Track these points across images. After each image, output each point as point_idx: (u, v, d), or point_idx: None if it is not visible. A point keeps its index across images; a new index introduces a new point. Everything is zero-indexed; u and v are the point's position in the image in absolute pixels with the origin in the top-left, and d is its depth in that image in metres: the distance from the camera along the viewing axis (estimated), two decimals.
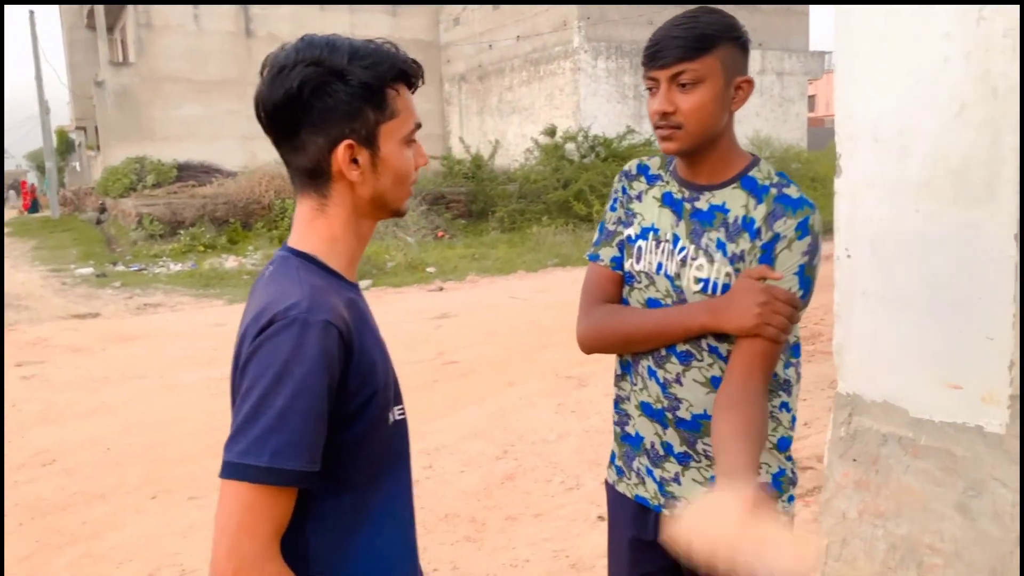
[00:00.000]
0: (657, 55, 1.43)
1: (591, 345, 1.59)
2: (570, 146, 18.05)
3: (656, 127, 1.47)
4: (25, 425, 5.53)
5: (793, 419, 1.57)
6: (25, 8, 26.78)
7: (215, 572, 1.05)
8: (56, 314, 10.36)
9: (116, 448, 5.00)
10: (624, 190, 1.65)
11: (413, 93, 1.22)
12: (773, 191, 1.48)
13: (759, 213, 1.47)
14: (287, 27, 25.49)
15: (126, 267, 14.90)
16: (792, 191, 1.48)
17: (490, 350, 6.99)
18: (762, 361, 1.46)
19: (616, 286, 1.62)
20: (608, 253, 1.63)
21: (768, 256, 1.45)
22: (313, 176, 1.17)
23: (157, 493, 4.29)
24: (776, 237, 1.45)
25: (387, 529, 1.23)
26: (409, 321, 8.33)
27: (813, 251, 1.46)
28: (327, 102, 1.12)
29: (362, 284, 11.70)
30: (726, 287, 1.47)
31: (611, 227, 1.65)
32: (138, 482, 4.45)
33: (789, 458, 1.58)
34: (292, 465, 1.03)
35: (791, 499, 1.58)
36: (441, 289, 11.16)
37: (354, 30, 26.51)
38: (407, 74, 1.19)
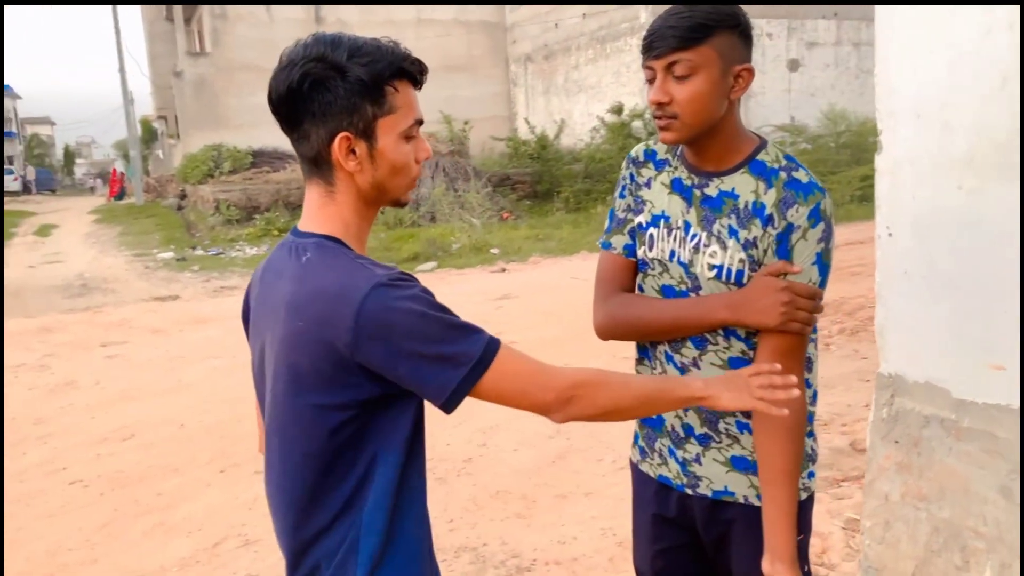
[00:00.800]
0: (652, 45, 1.45)
1: (608, 334, 1.63)
2: (637, 124, 17.84)
3: (654, 117, 1.49)
4: (108, 402, 5.86)
5: (815, 394, 1.58)
6: (108, 4, 27.80)
7: (548, 412, 1.24)
8: (139, 297, 10.87)
9: (190, 424, 5.26)
10: (632, 177, 1.66)
11: (419, 90, 1.29)
12: (783, 175, 1.48)
13: (769, 198, 1.47)
14: (355, 14, 25.90)
15: (204, 251, 15.49)
16: (801, 175, 1.48)
17: (549, 331, 7.04)
18: (793, 354, 1.48)
19: (630, 273, 1.65)
20: (620, 241, 1.66)
21: (784, 248, 1.45)
22: (317, 164, 1.26)
23: (226, 467, 4.50)
24: (790, 227, 1.45)
25: (421, 489, 1.36)
26: (470, 302, 8.44)
27: (828, 237, 1.47)
28: (326, 96, 1.20)
29: (427, 266, 11.96)
30: (740, 273, 1.49)
31: (621, 214, 1.67)
32: (209, 457, 4.68)
33: (810, 434, 1.58)
34: (485, 337, 1.20)
35: (811, 475, 1.58)
36: (504, 270, 11.25)
37: (420, 13, 26.80)
38: (408, 72, 1.25)
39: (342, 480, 1.25)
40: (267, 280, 1.33)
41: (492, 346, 1.19)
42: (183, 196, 23.93)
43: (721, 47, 1.44)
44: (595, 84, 23.00)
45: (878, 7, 2.32)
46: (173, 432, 5.14)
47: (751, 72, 1.48)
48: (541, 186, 18.86)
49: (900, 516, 2.42)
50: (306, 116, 1.22)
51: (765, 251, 1.47)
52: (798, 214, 1.44)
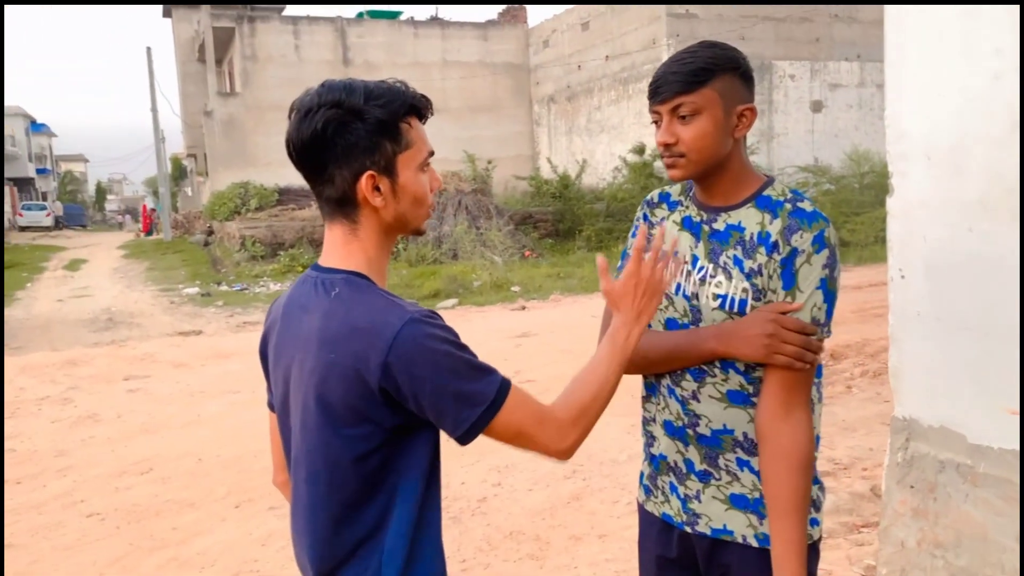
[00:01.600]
0: (657, 91, 1.52)
1: None
2: (659, 163, 17.93)
3: (662, 157, 1.55)
4: (128, 435, 5.91)
5: (816, 438, 1.56)
6: (143, 45, 28.55)
7: (556, 456, 1.32)
8: (163, 331, 10.99)
9: (207, 459, 5.28)
10: (646, 217, 1.72)
11: (424, 124, 1.36)
12: (788, 206, 1.51)
13: (775, 227, 1.50)
14: (382, 55, 26.44)
15: (229, 287, 15.68)
16: (806, 205, 1.52)
17: (567, 369, 6.99)
18: (796, 389, 1.49)
19: None
20: None
21: (788, 272, 1.47)
22: (342, 205, 1.32)
23: (241, 503, 4.51)
24: (794, 251, 1.47)
25: (436, 516, 1.40)
26: (490, 339, 8.45)
27: (832, 264, 1.49)
28: (348, 139, 1.27)
29: (448, 303, 12.01)
30: (743, 302, 1.51)
31: (632, 253, 1.70)
32: (225, 491, 4.69)
33: (815, 479, 1.56)
34: (499, 379, 1.27)
35: (814, 522, 1.56)
36: (523, 308, 11.26)
37: (446, 55, 27.27)
38: (418, 108, 1.32)
39: (365, 510, 1.30)
40: (292, 314, 1.37)
41: (504, 388, 1.27)
42: (210, 232, 24.30)
43: (722, 89, 1.49)
44: (617, 124, 23.20)
45: (888, 50, 2.34)
46: (191, 466, 5.16)
47: (754, 111, 1.54)
48: (563, 225, 18.95)
49: (916, 564, 2.38)
50: (331, 160, 1.28)
51: (770, 277, 1.49)
52: (802, 239, 1.47)
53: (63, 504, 4.62)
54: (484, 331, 9.27)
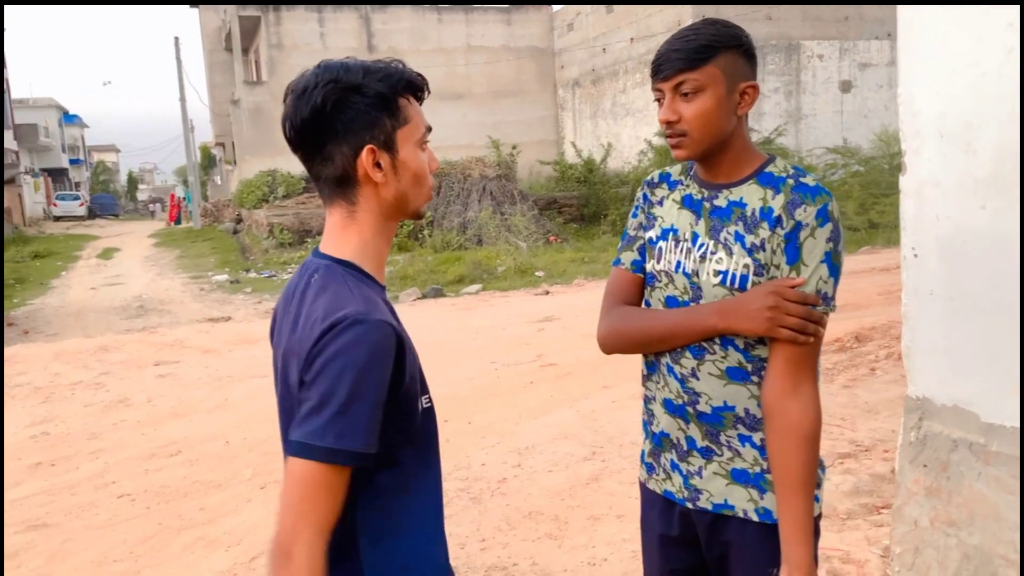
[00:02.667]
0: (660, 68, 1.52)
1: (610, 346, 1.66)
2: None
3: (666, 136, 1.55)
4: (158, 419, 6.04)
5: None
6: (171, 34, 28.84)
7: (278, 544, 1.16)
8: (193, 318, 11.18)
9: (234, 441, 5.39)
10: (646, 197, 1.72)
11: (421, 104, 1.34)
12: (790, 182, 1.51)
13: (777, 202, 1.50)
14: (406, 40, 26.46)
15: (257, 273, 15.88)
16: (809, 180, 1.52)
17: (588, 353, 7.02)
18: (802, 364, 1.50)
19: (636, 288, 1.69)
20: (629, 257, 1.71)
21: (793, 246, 1.47)
22: (341, 184, 1.30)
23: (266, 484, 4.60)
24: (798, 225, 1.47)
25: (424, 504, 1.34)
26: (512, 324, 8.49)
27: (837, 237, 1.49)
28: (348, 114, 1.25)
29: (472, 288, 12.06)
30: (744, 278, 1.51)
31: (632, 233, 1.73)
32: (251, 473, 4.78)
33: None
34: (353, 446, 1.15)
35: (815, 498, 1.57)
36: (547, 293, 11.28)
37: (470, 40, 27.21)
38: (415, 85, 1.31)
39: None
40: (287, 300, 1.37)
41: (337, 456, 1.14)
42: (239, 220, 24.58)
43: (725, 66, 1.49)
44: (643, 107, 23.03)
45: (900, 28, 2.32)
46: (218, 448, 5.27)
47: (756, 89, 1.53)
48: (588, 209, 18.91)
49: (929, 542, 2.37)
50: (329, 137, 1.26)
51: (774, 251, 1.49)
52: (806, 213, 1.47)
53: (95, 485, 4.74)
54: (507, 316, 9.31)
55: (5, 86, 29.36)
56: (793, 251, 1.48)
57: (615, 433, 4.99)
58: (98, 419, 6.13)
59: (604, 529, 3.75)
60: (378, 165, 1.27)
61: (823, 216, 1.47)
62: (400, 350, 1.22)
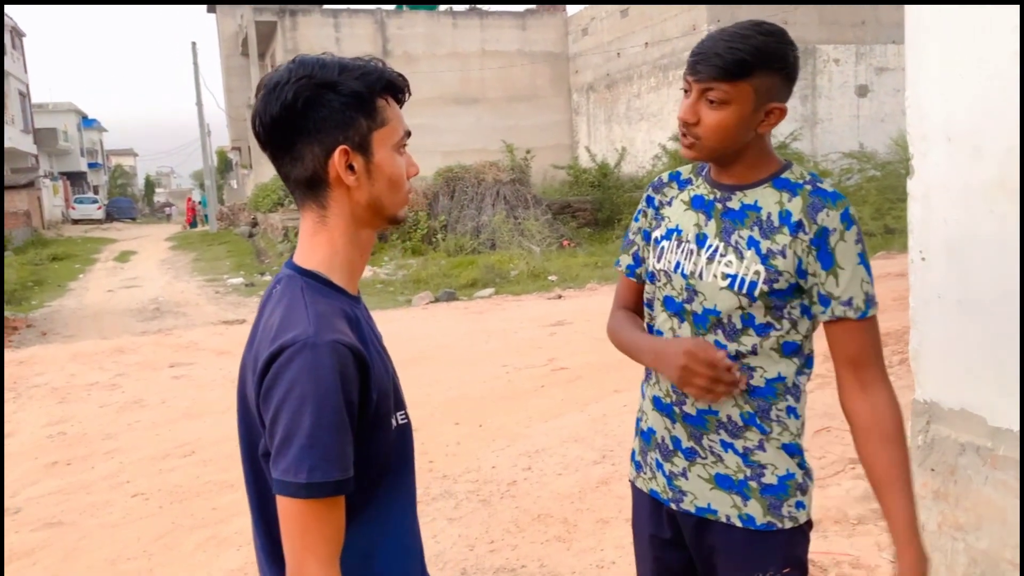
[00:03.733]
0: (696, 66, 1.47)
1: (612, 343, 1.74)
2: None
3: (680, 131, 1.53)
4: (172, 420, 6.10)
5: (802, 425, 1.57)
6: (188, 39, 29.13)
7: None
8: (208, 320, 11.27)
9: None
10: (650, 200, 1.72)
11: (401, 106, 1.27)
12: (807, 187, 1.50)
13: (795, 206, 1.48)
14: (421, 46, 26.58)
15: (272, 277, 15.97)
16: (826, 186, 1.50)
17: (599, 357, 7.04)
18: (856, 366, 1.50)
19: (631, 291, 1.76)
20: (624, 261, 1.77)
21: (825, 251, 1.45)
22: (311, 186, 1.22)
23: None
24: (825, 231, 1.45)
25: (400, 525, 1.29)
26: (524, 328, 8.51)
27: (862, 237, 1.49)
28: (321, 112, 1.17)
29: (485, 292, 12.09)
30: (752, 284, 1.49)
31: (631, 236, 1.76)
32: None
33: (801, 464, 1.56)
34: (328, 477, 1.10)
35: (800, 505, 1.55)
36: (560, 297, 11.29)
37: (485, 45, 27.29)
38: (395, 86, 1.24)
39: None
40: (259, 310, 1.30)
41: (315, 489, 1.10)
42: (254, 224, 24.74)
43: (760, 85, 1.45)
44: (657, 112, 23.01)
45: (908, 31, 2.32)
46: (231, 449, 5.30)
47: (783, 111, 1.49)
48: (601, 214, 18.89)
49: (937, 546, 2.37)
50: (300, 135, 1.19)
51: (798, 256, 1.47)
52: (829, 217, 1.45)
53: (110, 484, 4.80)
54: (519, 319, 9.33)
55: (5, 90, 29.71)
56: (827, 256, 1.45)
57: (625, 437, 4.99)
58: (113, 419, 6.19)
59: (613, 532, 3.75)
60: (351, 168, 1.20)
61: (847, 219, 1.46)
62: (364, 368, 1.15)
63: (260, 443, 1.19)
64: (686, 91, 1.51)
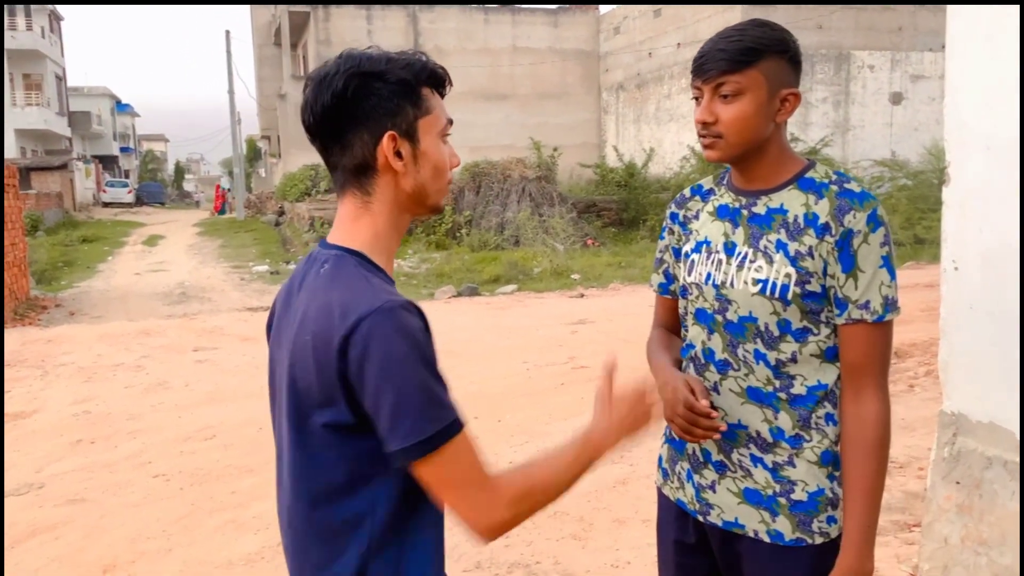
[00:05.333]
0: (702, 67, 1.48)
1: None
2: None
3: (700, 136, 1.52)
4: (195, 403, 6.17)
5: (839, 432, 1.55)
6: (222, 28, 29.35)
7: (477, 531, 1.18)
8: (233, 306, 11.39)
9: (267, 428, 5.42)
10: (674, 217, 1.72)
11: (443, 98, 1.31)
12: (834, 188, 1.48)
13: (822, 208, 1.46)
14: (453, 40, 26.62)
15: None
16: (854, 186, 1.48)
17: (621, 357, 7.01)
18: (855, 374, 1.50)
19: (665, 309, 1.79)
20: (656, 280, 1.78)
21: (847, 254, 1.44)
22: (359, 173, 1.25)
23: None
24: (850, 232, 1.43)
25: (431, 519, 1.29)
26: (546, 325, 8.50)
27: (889, 240, 1.47)
28: (370, 100, 1.22)
29: (507, 288, 12.10)
30: (784, 287, 1.47)
31: (659, 255, 1.77)
32: None
33: (832, 476, 1.54)
34: (449, 418, 1.14)
35: (831, 520, 1.53)
36: (582, 296, 11.26)
37: (516, 41, 27.27)
38: (437, 77, 1.28)
39: (346, 510, 1.21)
40: (290, 292, 1.31)
41: (450, 430, 1.14)
42: (281, 213, 24.93)
43: (768, 71, 1.45)
44: (687, 113, 22.85)
45: (949, 37, 2.29)
46: (252, 434, 5.36)
47: (798, 97, 1.49)
48: (627, 214, 18.82)
49: (959, 560, 2.34)
50: (350, 123, 1.23)
51: (824, 259, 1.45)
52: (856, 219, 1.43)
53: (132, 464, 4.86)
54: (541, 317, 9.32)
55: (10, 87, 30.21)
56: (848, 259, 1.44)
57: (644, 438, 4.97)
58: (138, 400, 6.28)
59: (629, 532, 3.75)
60: (398, 154, 1.24)
61: (874, 221, 1.44)
62: (428, 331, 1.19)
63: (314, 417, 1.19)
64: (697, 99, 1.52)
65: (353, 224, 1.27)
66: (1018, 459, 2.17)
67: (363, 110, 1.22)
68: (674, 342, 1.73)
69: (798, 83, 1.51)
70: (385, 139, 1.22)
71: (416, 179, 1.27)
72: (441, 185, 1.30)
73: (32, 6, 35.88)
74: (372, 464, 1.19)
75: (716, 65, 1.46)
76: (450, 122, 1.31)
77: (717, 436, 1.52)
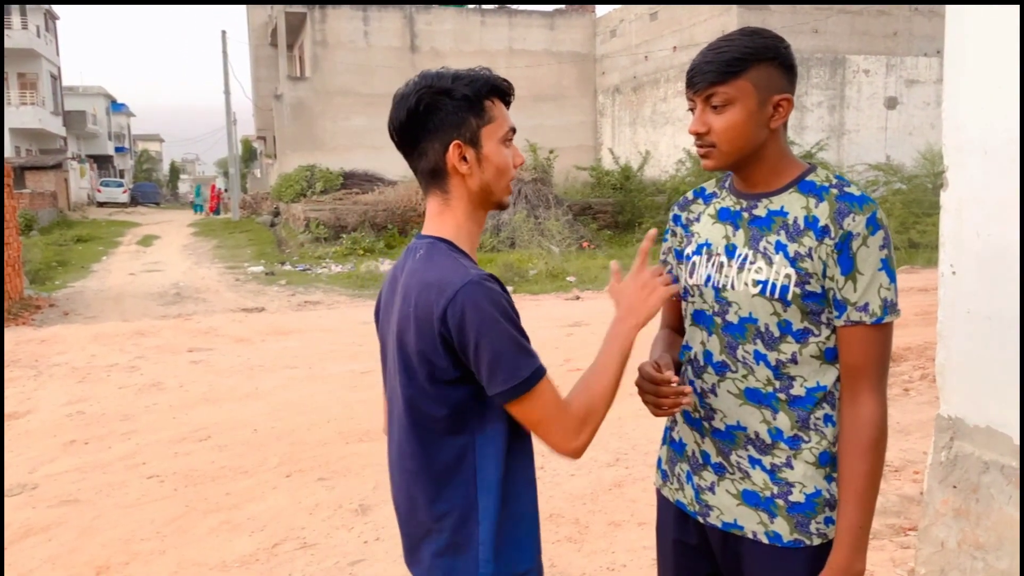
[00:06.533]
0: (692, 80, 1.52)
1: None
2: None
3: (696, 146, 1.55)
4: (189, 404, 6.15)
5: (836, 432, 1.55)
6: (218, 28, 29.33)
7: (566, 453, 1.40)
8: (227, 307, 11.36)
9: (262, 429, 5.47)
10: (676, 219, 1.74)
11: (508, 107, 1.51)
12: (834, 191, 1.49)
13: (822, 211, 1.48)
14: (449, 42, 26.62)
15: (292, 267, 16.06)
16: (853, 189, 1.49)
17: None
18: (852, 375, 1.50)
19: (669, 309, 1.80)
20: None
21: (846, 256, 1.45)
22: (435, 176, 1.48)
23: (292, 472, 4.66)
24: (849, 235, 1.44)
25: (526, 454, 1.50)
26: (542, 328, 8.49)
27: (888, 243, 1.47)
28: (439, 115, 1.44)
29: None
30: (784, 288, 1.48)
31: (662, 256, 1.78)
32: (277, 461, 4.85)
33: (830, 477, 1.54)
34: (535, 364, 1.37)
35: (828, 521, 1.53)
36: (578, 298, 11.26)
37: (512, 44, 27.29)
38: (500, 89, 1.49)
39: (447, 450, 1.43)
40: (393, 278, 1.55)
41: (537, 374, 1.37)
42: (276, 213, 24.89)
43: (758, 79, 1.47)
44: (683, 117, 22.88)
45: (948, 41, 2.29)
46: (246, 436, 5.34)
47: (790, 102, 1.51)
48: (622, 217, 18.85)
49: (956, 565, 2.34)
50: (424, 135, 1.45)
51: (823, 261, 1.46)
52: (855, 222, 1.45)
53: (126, 465, 4.84)
54: (537, 319, 9.31)
55: (4, 86, 30.14)
56: (847, 262, 1.45)
57: (640, 440, 4.98)
58: (132, 401, 6.25)
59: (624, 535, 3.74)
60: (464, 159, 1.45)
61: (873, 224, 1.45)
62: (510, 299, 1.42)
63: (428, 386, 1.41)
64: (692, 109, 1.55)
65: (438, 218, 1.50)
66: (1016, 464, 2.16)
67: (433, 123, 1.44)
68: (677, 341, 1.75)
69: (792, 88, 1.52)
70: (451, 147, 1.44)
71: (481, 179, 1.48)
72: (504, 183, 1.51)
73: (28, 5, 35.77)
74: (471, 409, 1.41)
75: (704, 77, 1.49)
76: (513, 129, 1.50)
77: (687, 402, 1.53)
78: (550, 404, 1.38)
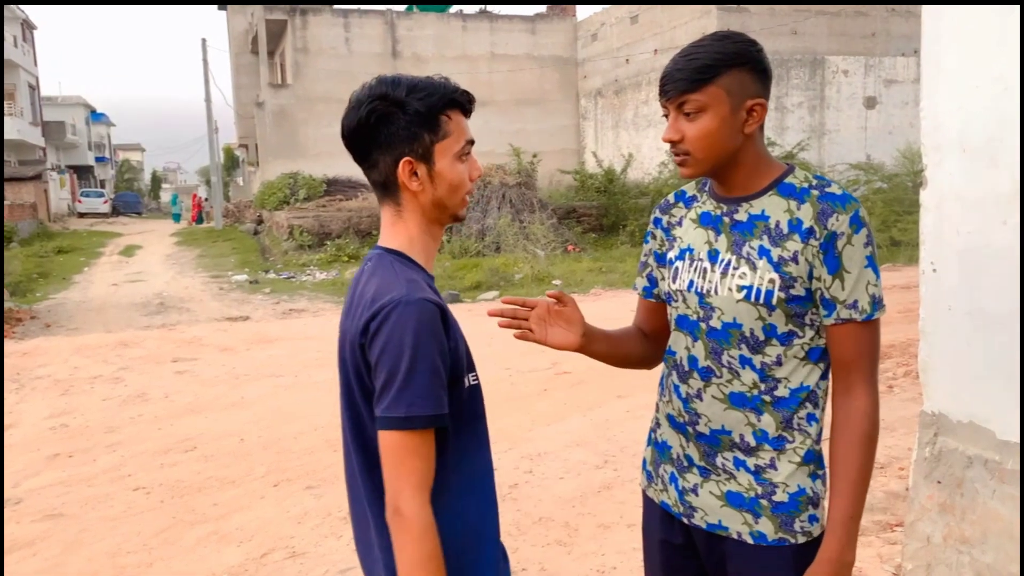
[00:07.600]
0: (665, 87, 1.52)
1: None
2: None
3: (672, 153, 1.56)
4: (174, 414, 6.10)
5: (820, 429, 1.57)
6: (198, 35, 29.17)
7: (389, 507, 1.31)
8: (212, 316, 11.28)
9: (249, 439, 5.43)
10: (657, 222, 1.74)
11: (468, 117, 1.46)
12: (815, 192, 1.50)
13: (805, 213, 1.48)
14: (430, 47, 26.61)
15: (277, 275, 15.98)
16: (835, 189, 1.50)
17: (603, 363, 7.04)
18: (845, 367, 1.52)
19: (646, 311, 1.80)
20: (640, 283, 1.80)
21: (832, 256, 1.46)
22: (386, 188, 1.44)
23: (279, 482, 4.63)
24: (834, 235, 1.46)
25: (469, 468, 1.44)
26: None
27: (872, 240, 1.49)
28: (390, 128, 1.39)
29: (488, 295, 12.08)
30: (769, 293, 1.49)
31: (643, 259, 1.78)
32: (264, 471, 4.82)
33: (815, 475, 1.56)
34: (423, 412, 1.29)
35: (812, 519, 1.55)
36: None
37: (494, 48, 27.32)
38: (458, 102, 1.43)
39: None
40: (352, 287, 1.51)
41: (415, 422, 1.29)
42: (259, 221, 24.77)
43: (730, 85, 1.47)
44: (664, 119, 22.97)
45: (924, 41, 2.32)
46: (233, 446, 5.31)
47: (764, 106, 1.51)
48: (607, 219, 18.89)
49: (942, 559, 2.36)
50: (374, 147, 1.40)
51: (809, 263, 1.47)
52: (839, 222, 1.46)
53: (111, 478, 4.80)
54: None
55: (15, 83, 29.80)
56: (833, 261, 1.46)
57: (628, 443, 4.98)
58: (116, 413, 6.20)
59: (614, 537, 3.75)
60: (415, 175, 1.40)
61: (857, 222, 1.46)
62: (447, 324, 1.36)
63: (361, 403, 1.38)
64: (667, 116, 1.55)
65: (391, 228, 1.47)
66: (998, 457, 2.19)
67: (384, 136, 1.39)
68: (630, 333, 1.80)
69: (766, 92, 1.52)
70: (402, 164, 1.40)
71: (434, 195, 1.43)
72: (459, 198, 1.46)
73: (5, 16, 35.43)
74: None
75: (676, 85, 1.49)
76: (470, 142, 1.45)
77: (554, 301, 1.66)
78: (411, 461, 1.29)
